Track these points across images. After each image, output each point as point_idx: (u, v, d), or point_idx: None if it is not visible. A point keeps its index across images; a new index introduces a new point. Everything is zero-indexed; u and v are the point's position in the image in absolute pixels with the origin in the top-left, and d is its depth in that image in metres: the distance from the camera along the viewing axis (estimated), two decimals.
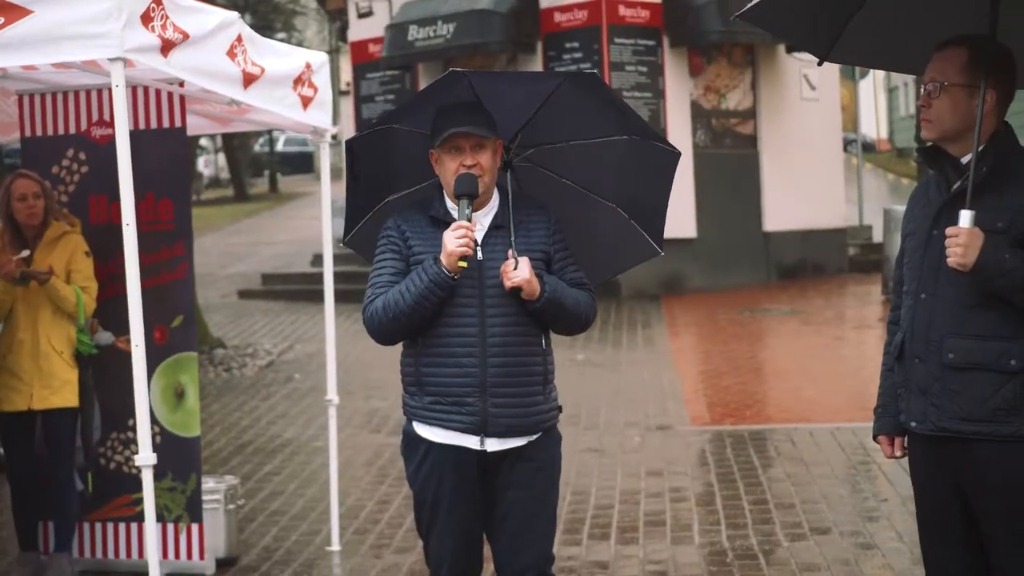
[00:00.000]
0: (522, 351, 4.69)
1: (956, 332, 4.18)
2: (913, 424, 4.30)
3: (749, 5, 4.60)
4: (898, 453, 4.50)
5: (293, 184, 42.01)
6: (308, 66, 7.17)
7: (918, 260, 4.31)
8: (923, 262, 4.28)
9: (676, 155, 4.95)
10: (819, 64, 4.91)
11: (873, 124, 49.48)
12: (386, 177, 4.99)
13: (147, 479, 5.49)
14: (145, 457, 5.48)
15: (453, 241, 4.54)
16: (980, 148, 4.20)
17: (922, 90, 4.29)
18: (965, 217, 4.09)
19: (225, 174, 43.45)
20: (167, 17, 5.55)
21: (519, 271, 4.60)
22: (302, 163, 44.54)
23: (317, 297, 18.48)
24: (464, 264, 4.56)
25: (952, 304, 4.18)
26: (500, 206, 4.77)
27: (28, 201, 7.00)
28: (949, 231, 4.10)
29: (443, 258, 4.56)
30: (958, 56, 4.23)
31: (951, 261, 4.09)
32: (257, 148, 43.41)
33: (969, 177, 4.15)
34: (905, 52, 4.81)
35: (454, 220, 4.66)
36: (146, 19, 5.41)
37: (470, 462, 4.70)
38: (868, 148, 42.79)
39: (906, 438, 4.45)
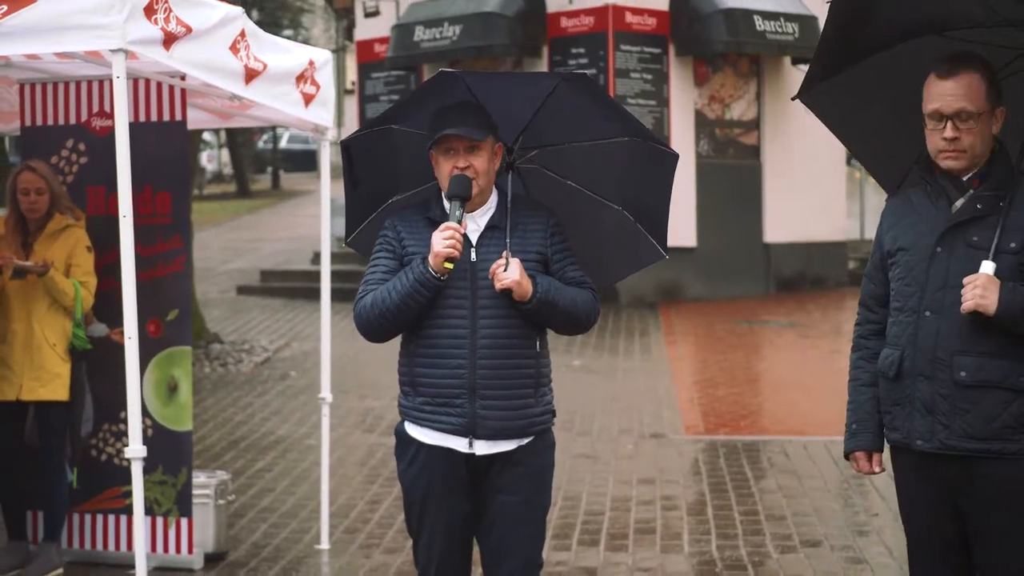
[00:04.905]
0: (513, 353, 4.67)
1: (966, 350, 4.18)
2: (919, 443, 4.27)
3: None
4: (876, 469, 4.50)
5: (295, 181, 41.98)
6: (311, 63, 7.16)
7: (919, 277, 4.27)
8: (927, 280, 4.25)
9: (675, 157, 4.93)
10: (792, 99, 4.92)
11: None
12: (389, 179, 4.97)
13: (136, 471, 5.49)
14: (135, 449, 5.48)
15: (440, 242, 4.52)
16: (982, 168, 4.22)
17: (945, 122, 4.19)
18: (987, 267, 4.12)
19: (228, 169, 43.44)
20: (170, 10, 5.55)
21: (509, 272, 4.57)
22: (305, 160, 44.49)
23: (316, 295, 18.47)
24: (450, 266, 4.54)
25: (960, 322, 4.18)
26: (498, 207, 4.75)
27: (30, 196, 7.00)
28: (965, 280, 4.12)
29: (430, 258, 4.55)
30: (979, 82, 4.17)
31: (973, 304, 4.09)
32: (261, 144, 43.41)
33: (999, 230, 4.14)
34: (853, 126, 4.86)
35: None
36: (149, 11, 5.42)
37: (459, 464, 4.68)
38: None
39: (883, 454, 4.46)
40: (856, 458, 4.52)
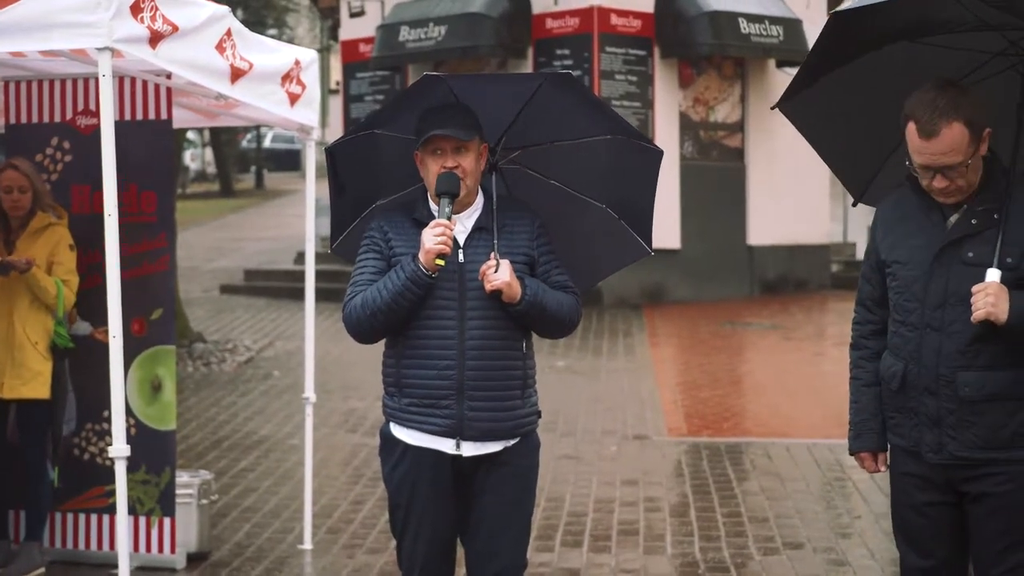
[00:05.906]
0: (500, 354, 4.67)
1: (968, 366, 4.22)
2: (930, 455, 4.32)
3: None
4: (882, 468, 4.57)
5: (279, 181, 41.94)
6: (297, 63, 7.16)
7: (919, 293, 4.30)
8: (925, 296, 4.28)
9: (659, 153, 4.94)
10: (772, 108, 4.94)
11: None
12: (372, 183, 4.97)
13: (120, 471, 5.48)
14: (119, 449, 5.46)
15: (431, 239, 4.51)
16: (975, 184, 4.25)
17: (934, 174, 4.20)
18: (993, 274, 4.13)
19: (212, 168, 43.38)
20: (157, 9, 5.54)
21: (499, 274, 4.57)
22: (289, 160, 44.45)
23: (299, 295, 18.49)
24: (442, 262, 4.53)
25: (960, 339, 4.22)
26: (484, 208, 4.75)
27: (13, 195, 6.99)
28: (975, 288, 4.13)
29: (421, 256, 4.54)
30: (962, 133, 4.15)
31: (984, 312, 4.10)
32: (244, 144, 43.37)
33: (999, 243, 4.16)
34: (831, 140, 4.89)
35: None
36: (136, 10, 5.41)
37: (445, 465, 4.68)
38: None
39: (887, 453, 4.51)
40: (862, 458, 4.58)
